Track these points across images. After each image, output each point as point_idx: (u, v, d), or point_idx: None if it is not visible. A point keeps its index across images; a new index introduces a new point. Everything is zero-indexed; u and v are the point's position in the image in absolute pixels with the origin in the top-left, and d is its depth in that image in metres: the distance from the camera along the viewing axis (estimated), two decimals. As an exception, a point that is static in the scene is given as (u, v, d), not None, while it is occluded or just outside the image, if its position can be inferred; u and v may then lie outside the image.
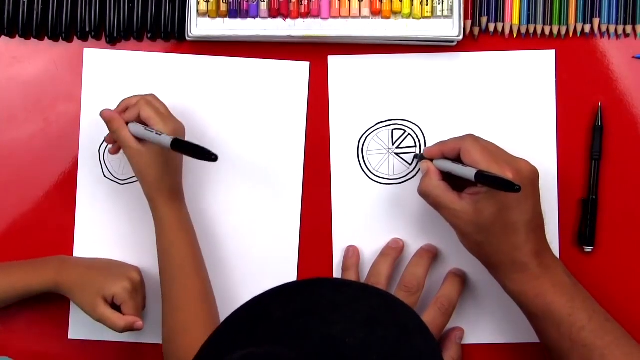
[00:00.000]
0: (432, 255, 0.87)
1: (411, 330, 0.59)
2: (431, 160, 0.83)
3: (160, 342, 0.88)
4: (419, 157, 0.87)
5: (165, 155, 0.82)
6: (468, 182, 0.78)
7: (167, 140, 0.78)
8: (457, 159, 0.80)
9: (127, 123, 0.83)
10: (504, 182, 0.73)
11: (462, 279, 0.87)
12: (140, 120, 0.82)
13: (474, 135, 0.81)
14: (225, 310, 0.86)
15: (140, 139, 0.82)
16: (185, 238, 0.85)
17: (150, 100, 0.83)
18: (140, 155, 0.82)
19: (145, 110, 0.81)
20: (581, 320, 0.78)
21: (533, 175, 0.79)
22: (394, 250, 0.87)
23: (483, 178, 0.75)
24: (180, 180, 0.86)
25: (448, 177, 0.82)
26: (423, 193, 0.82)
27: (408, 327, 0.59)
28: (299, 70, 0.89)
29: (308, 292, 0.61)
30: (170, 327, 0.84)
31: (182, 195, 0.86)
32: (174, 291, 0.84)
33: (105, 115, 0.83)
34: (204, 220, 0.89)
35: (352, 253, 0.88)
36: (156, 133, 0.80)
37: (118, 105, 0.84)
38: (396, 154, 0.89)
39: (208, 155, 0.75)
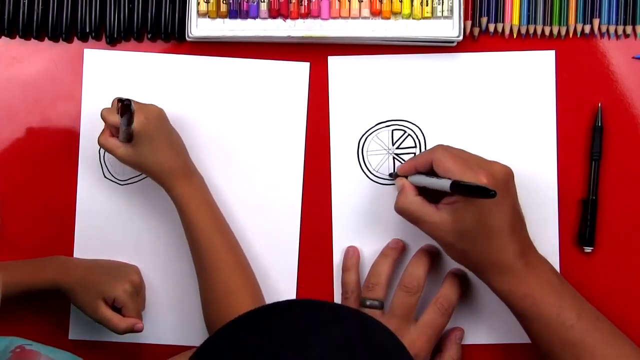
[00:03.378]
0: (432, 255, 0.87)
1: (388, 350, 0.59)
2: (406, 177, 0.84)
3: (160, 342, 0.89)
4: (394, 175, 0.87)
5: (151, 146, 0.82)
6: (444, 193, 0.78)
7: (125, 129, 0.79)
8: (431, 172, 0.81)
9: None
10: (480, 189, 0.73)
11: (462, 279, 0.87)
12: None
13: (444, 145, 0.82)
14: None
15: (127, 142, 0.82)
16: (205, 211, 0.85)
17: (112, 105, 0.84)
18: (129, 157, 0.83)
19: (108, 118, 0.82)
20: (570, 319, 0.78)
21: (507, 176, 0.80)
22: (394, 251, 0.87)
23: (458, 188, 0.75)
24: (185, 160, 0.85)
25: (424, 191, 0.82)
26: (400, 210, 0.82)
27: (385, 347, 0.59)
28: (299, 71, 0.89)
29: (282, 316, 0.60)
30: (210, 296, 0.84)
31: (192, 173, 0.85)
32: (205, 264, 0.84)
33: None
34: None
35: (352, 253, 0.88)
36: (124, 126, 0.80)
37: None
38: (396, 154, 0.89)
39: (128, 107, 0.77)
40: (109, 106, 0.84)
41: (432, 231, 0.80)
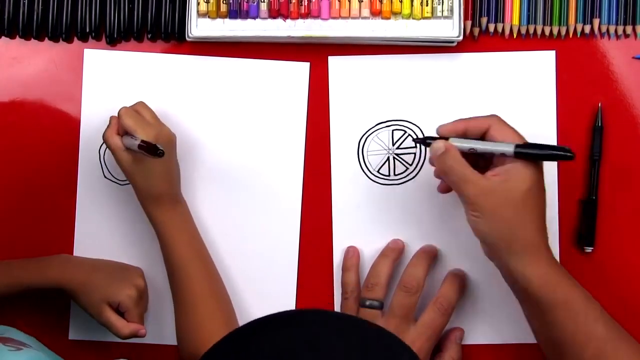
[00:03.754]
0: (431, 255, 0.87)
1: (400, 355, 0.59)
2: (446, 139, 0.79)
3: (160, 343, 0.89)
4: (420, 141, 0.82)
5: (151, 165, 0.82)
6: (484, 167, 0.77)
7: (135, 144, 0.78)
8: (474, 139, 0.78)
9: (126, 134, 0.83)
10: (558, 150, 0.71)
11: (461, 280, 0.87)
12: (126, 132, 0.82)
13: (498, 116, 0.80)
14: (226, 310, 0.87)
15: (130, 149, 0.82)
16: (184, 240, 0.85)
17: (134, 108, 0.83)
18: (125, 162, 0.82)
19: (124, 119, 0.81)
20: (595, 310, 0.77)
21: None
22: (394, 251, 0.87)
23: (531, 148, 0.74)
24: (175, 190, 0.85)
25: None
26: (446, 169, 0.77)
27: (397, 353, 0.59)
28: (299, 71, 0.89)
29: (295, 324, 0.60)
30: (183, 326, 0.84)
31: (176, 202, 0.86)
32: (181, 292, 0.84)
33: (110, 120, 0.84)
34: (204, 220, 0.89)
35: (352, 253, 0.88)
36: (134, 140, 0.79)
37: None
38: (396, 154, 0.89)
39: (155, 150, 0.76)
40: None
41: (477, 195, 0.76)
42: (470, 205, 0.77)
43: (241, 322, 0.86)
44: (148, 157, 0.78)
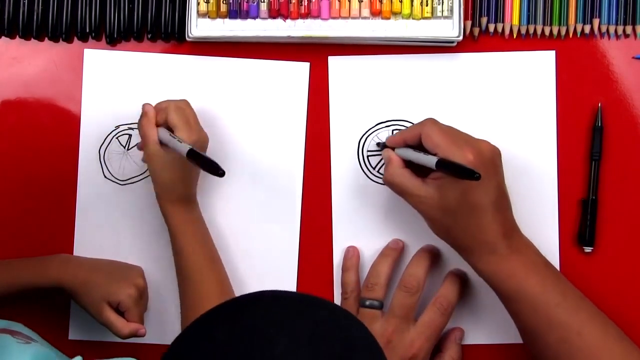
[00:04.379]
0: (432, 255, 0.87)
1: (357, 344, 0.58)
2: (393, 149, 0.83)
3: (160, 342, 0.89)
4: (381, 146, 0.87)
5: (181, 164, 0.82)
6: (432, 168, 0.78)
7: (184, 148, 0.78)
8: (419, 146, 0.80)
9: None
10: (464, 170, 0.72)
11: (461, 279, 0.87)
12: (167, 126, 0.82)
13: (434, 119, 0.81)
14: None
15: (164, 144, 0.82)
16: (197, 240, 0.85)
17: (181, 106, 0.83)
18: (157, 157, 0.82)
19: (173, 116, 0.81)
20: (555, 298, 0.78)
21: (494, 155, 0.79)
22: (394, 251, 0.87)
23: (443, 166, 0.75)
24: (194, 190, 0.86)
25: (411, 164, 0.81)
26: (388, 182, 0.82)
27: (354, 340, 0.58)
28: (299, 71, 0.89)
29: (251, 308, 0.59)
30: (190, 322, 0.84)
31: (193, 203, 0.86)
32: (190, 292, 0.84)
33: (145, 108, 0.83)
34: (204, 220, 0.89)
35: (352, 253, 0.88)
36: (178, 140, 0.79)
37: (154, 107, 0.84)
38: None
39: (216, 170, 0.74)
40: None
41: (417, 205, 0.80)
42: (418, 212, 0.81)
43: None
44: (192, 163, 0.77)
